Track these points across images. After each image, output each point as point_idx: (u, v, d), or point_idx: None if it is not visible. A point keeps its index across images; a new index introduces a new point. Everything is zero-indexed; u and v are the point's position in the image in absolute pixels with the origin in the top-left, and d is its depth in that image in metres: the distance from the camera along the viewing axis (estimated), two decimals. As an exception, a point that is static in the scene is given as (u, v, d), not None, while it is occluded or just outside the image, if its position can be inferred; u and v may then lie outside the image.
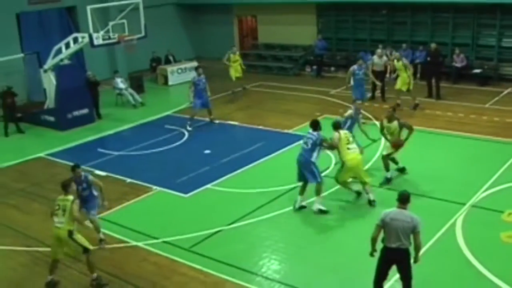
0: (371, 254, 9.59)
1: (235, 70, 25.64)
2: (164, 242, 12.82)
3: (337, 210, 13.71)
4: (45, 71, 23.42)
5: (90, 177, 12.81)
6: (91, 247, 11.29)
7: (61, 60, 22.76)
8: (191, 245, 12.53)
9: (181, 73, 29.13)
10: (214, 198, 15.13)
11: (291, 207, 13.89)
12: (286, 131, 19.83)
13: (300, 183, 13.91)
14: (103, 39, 21.89)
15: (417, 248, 9.26)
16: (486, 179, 14.57)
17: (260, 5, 30.87)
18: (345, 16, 29.11)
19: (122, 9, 22.77)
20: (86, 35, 21.87)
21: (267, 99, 24.90)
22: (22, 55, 26.10)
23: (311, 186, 13.67)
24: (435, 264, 10.84)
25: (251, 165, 16.96)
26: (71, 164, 12.88)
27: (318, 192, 13.64)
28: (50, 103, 23.44)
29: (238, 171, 16.62)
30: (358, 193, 14.25)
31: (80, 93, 22.73)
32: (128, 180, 16.61)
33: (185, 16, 34.59)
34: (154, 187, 15.91)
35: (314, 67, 28.91)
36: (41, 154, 19.62)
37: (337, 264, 11.41)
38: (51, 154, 19.60)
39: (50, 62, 23.19)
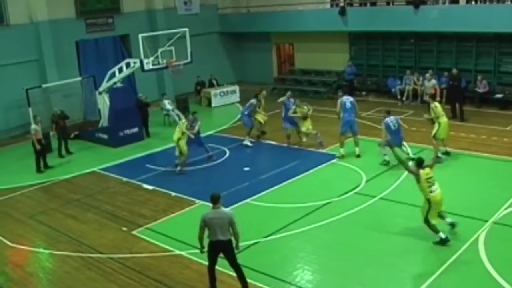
0: (201, 251, 10.72)
1: None
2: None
3: (365, 226, 13.56)
4: (100, 93, 23.88)
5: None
6: None
7: (115, 83, 23.17)
8: (230, 255, 12.52)
9: (223, 96, 29.35)
10: (252, 212, 15.10)
11: (324, 221, 13.83)
12: (320, 150, 19.73)
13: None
14: (153, 64, 22.24)
15: (236, 236, 10.49)
16: (507, 197, 14.27)
17: (297, 34, 30.92)
18: (375, 45, 28.98)
19: (170, 37, 23.05)
20: (137, 60, 22.26)
21: (302, 120, 24.76)
22: (80, 78, 26.60)
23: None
24: (458, 275, 10.68)
25: (287, 182, 16.90)
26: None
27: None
28: (104, 122, 23.82)
29: (275, 187, 16.58)
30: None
31: (131, 113, 23.03)
32: (174, 194, 16.70)
33: (228, 43, 34.86)
34: (197, 200, 15.96)
35: (346, 91, 28.71)
36: (95, 169, 19.86)
37: (365, 277, 11.26)
38: (104, 169, 19.84)
39: (104, 85, 23.64)
